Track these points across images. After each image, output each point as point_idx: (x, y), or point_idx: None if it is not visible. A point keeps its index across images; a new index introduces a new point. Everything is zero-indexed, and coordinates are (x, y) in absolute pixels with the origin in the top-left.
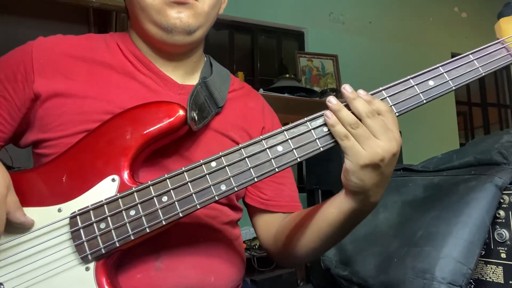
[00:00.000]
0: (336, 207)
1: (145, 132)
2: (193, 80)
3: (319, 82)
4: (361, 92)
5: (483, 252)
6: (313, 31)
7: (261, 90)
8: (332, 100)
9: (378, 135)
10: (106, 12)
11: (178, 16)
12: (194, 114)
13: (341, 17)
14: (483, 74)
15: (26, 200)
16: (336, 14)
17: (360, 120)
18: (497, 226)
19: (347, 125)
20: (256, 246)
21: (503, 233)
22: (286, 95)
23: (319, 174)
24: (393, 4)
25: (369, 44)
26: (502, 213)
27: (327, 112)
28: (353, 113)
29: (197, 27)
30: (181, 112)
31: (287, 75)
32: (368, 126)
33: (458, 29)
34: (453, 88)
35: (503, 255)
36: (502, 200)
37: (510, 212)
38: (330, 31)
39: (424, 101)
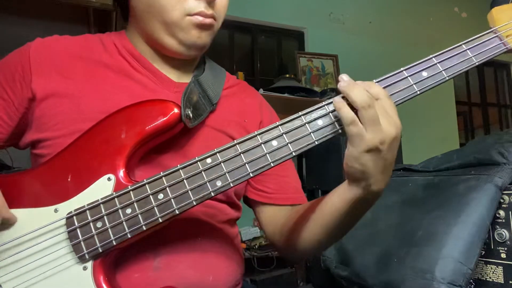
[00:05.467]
0: (339, 196)
1: (140, 130)
2: (189, 78)
3: (319, 82)
4: (357, 82)
5: (483, 252)
6: (313, 31)
7: (261, 90)
8: (344, 77)
9: (380, 119)
10: (106, 12)
11: (200, 35)
12: (189, 112)
13: (341, 17)
14: (476, 63)
15: (22, 201)
16: (336, 14)
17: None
18: (497, 226)
19: (360, 105)
20: (256, 246)
21: (503, 233)
22: (286, 95)
23: (319, 174)
24: (393, 4)
25: (369, 44)
26: (502, 213)
27: (336, 98)
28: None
29: (210, 41)
30: (175, 110)
31: (287, 75)
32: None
33: (458, 29)
34: (447, 78)
35: (503, 255)
36: (502, 200)
37: (510, 212)
38: (330, 31)
39: (418, 92)
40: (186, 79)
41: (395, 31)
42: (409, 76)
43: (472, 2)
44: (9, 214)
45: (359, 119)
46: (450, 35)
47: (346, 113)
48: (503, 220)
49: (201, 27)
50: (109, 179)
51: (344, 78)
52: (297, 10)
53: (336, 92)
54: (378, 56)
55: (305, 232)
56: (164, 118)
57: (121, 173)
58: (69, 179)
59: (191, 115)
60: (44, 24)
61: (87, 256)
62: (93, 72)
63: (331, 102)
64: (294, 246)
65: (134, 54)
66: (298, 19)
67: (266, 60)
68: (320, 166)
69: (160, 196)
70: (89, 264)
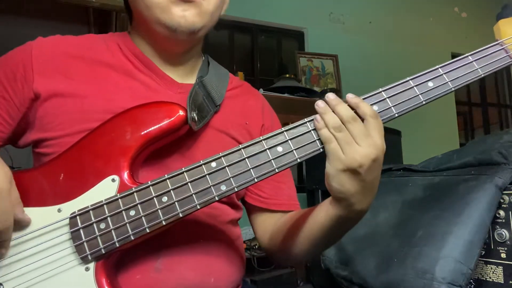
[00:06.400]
0: (324, 212)
1: (145, 132)
2: (192, 79)
3: (319, 82)
4: (349, 96)
5: (483, 252)
6: (313, 31)
7: (261, 90)
8: (320, 103)
9: (358, 140)
10: (106, 12)
11: (183, 14)
12: (194, 114)
13: (341, 17)
14: (482, 75)
15: (26, 200)
16: (336, 14)
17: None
18: (497, 226)
19: (331, 128)
20: (256, 246)
21: (503, 233)
22: (286, 95)
23: (319, 174)
24: (393, 4)
25: (369, 44)
26: (502, 213)
27: (317, 116)
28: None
29: (201, 27)
30: (181, 113)
31: (287, 75)
32: (349, 131)
33: (458, 29)
34: (452, 89)
35: (503, 255)
36: (502, 200)
37: (510, 212)
38: (330, 31)
39: (424, 102)
40: (189, 80)
41: (395, 31)
42: (415, 86)
43: (472, 2)
44: (24, 216)
45: None
46: (450, 35)
47: (323, 132)
48: (503, 220)
49: (181, 2)
50: (113, 180)
51: (330, 96)
52: (297, 10)
53: (336, 92)
54: (378, 56)
55: (294, 242)
56: (170, 121)
57: (125, 174)
58: (73, 179)
59: (196, 117)
60: (44, 24)
61: (89, 257)
62: (96, 72)
63: None
64: (283, 252)
65: (137, 54)
66: (298, 19)
67: (266, 60)
68: (320, 166)
69: (164, 199)
70: (91, 265)
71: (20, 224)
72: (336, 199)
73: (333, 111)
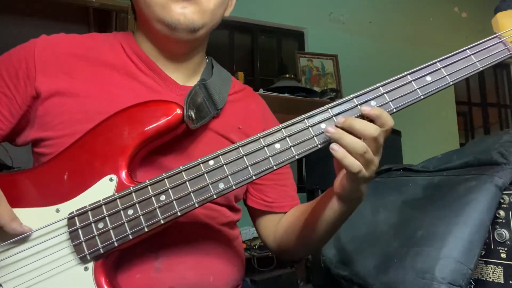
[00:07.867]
0: (332, 211)
1: (142, 131)
2: (194, 82)
3: (319, 82)
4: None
5: (483, 252)
6: (313, 31)
7: (261, 90)
8: (329, 129)
9: (376, 153)
10: (106, 12)
11: (182, 11)
12: (192, 113)
13: (341, 17)
14: (481, 68)
15: (24, 200)
16: (336, 14)
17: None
18: (497, 226)
19: (355, 153)
20: (256, 246)
21: (503, 233)
22: (286, 95)
23: (319, 174)
24: (393, 4)
25: (369, 44)
26: (502, 213)
27: (333, 145)
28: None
29: (202, 25)
30: (178, 111)
31: (287, 75)
32: (375, 145)
33: (458, 29)
34: (451, 83)
35: (503, 255)
36: (502, 200)
37: (510, 212)
38: (330, 31)
39: (422, 97)
40: (192, 82)
41: (395, 31)
42: (413, 80)
43: (472, 2)
44: (22, 228)
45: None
46: (450, 35)
47: (353, 162)
48: (503, 220)
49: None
50: (111, 179)
51: (341, 119)
52: (297, 10)
53: (336, 92)
54: (378, 56)
55: (300, 239)
56: (167, 119)
57: (123, 173)
58: (71, 179)
59: (193, 116)
60: (44, 24)
61: (88, 257)
62: (98, 72)
63: (334, 105)
64: (288, 249)
65: (140, 55)
66: (298, 19)
67: (266, 60)
68: (320, 166)
69: (162, 197)
70: (90, 265)
71: (21, 234)
72: (350, 200)
73: (348, 130)
